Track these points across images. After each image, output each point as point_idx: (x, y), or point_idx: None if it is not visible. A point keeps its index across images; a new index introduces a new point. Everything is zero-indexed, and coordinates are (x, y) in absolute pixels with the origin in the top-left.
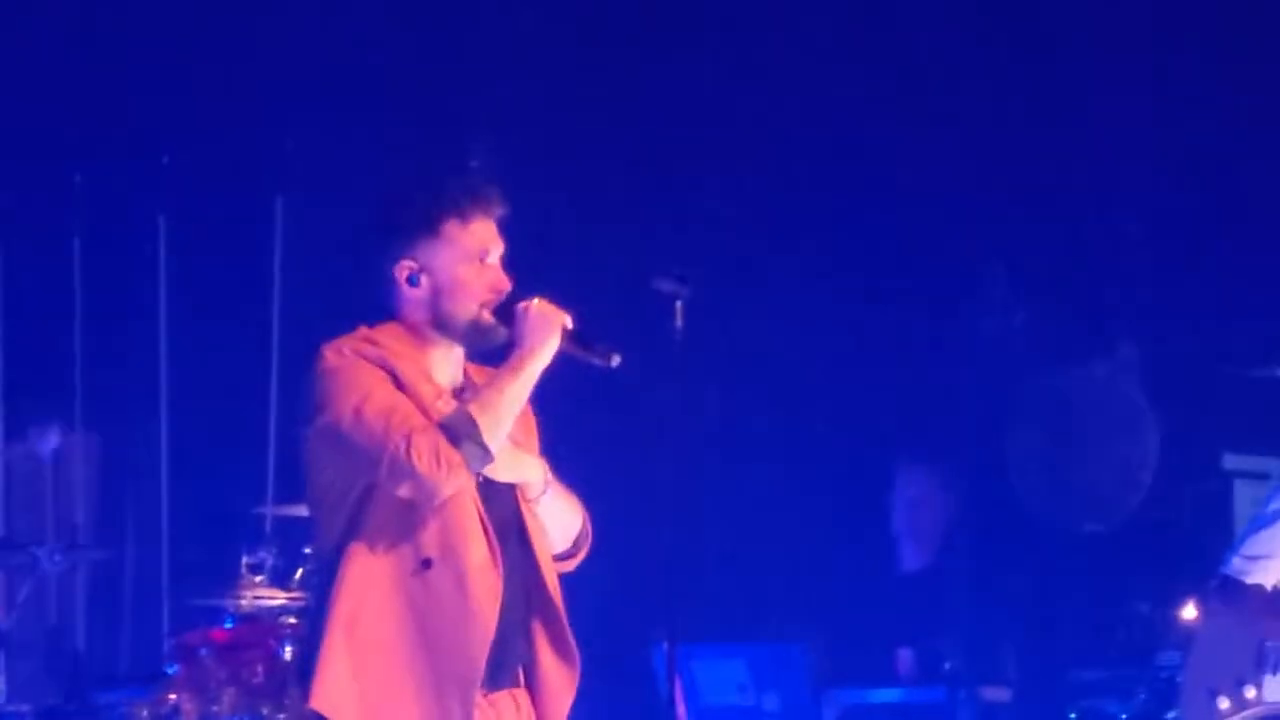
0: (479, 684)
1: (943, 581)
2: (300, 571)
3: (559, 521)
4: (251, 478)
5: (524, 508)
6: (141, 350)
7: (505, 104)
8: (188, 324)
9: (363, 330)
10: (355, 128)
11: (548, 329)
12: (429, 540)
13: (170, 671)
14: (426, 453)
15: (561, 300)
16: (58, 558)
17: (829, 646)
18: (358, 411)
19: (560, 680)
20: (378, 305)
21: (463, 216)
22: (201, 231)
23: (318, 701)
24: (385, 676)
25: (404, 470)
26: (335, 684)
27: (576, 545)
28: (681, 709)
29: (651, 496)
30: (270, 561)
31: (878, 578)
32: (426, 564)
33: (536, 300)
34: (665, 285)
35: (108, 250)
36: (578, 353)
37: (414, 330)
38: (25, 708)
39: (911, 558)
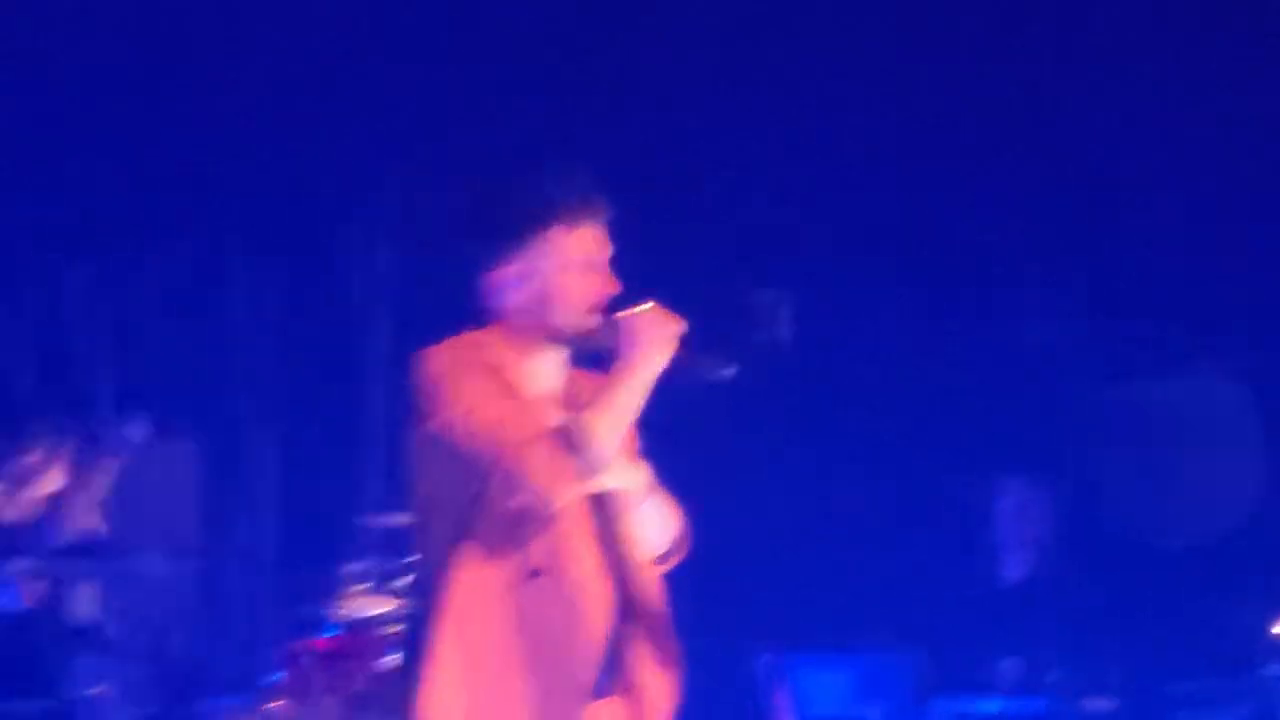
0: (588, 696)
1: (1045, 591)
2: (403, 580)
3: (658, 527)
4: (356, 486)
5: (625, 512)
6: (248, 357)
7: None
8: (292, 331)
9: (467, 334)
10: (457, 121)
11: (661, 336)
12: (537, 549)
13: (273, 679)
14: (541, 464)
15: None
16: (162, 564)
17: (932, 657)
18: (467, 419)
19: (661, 690)
20: (483, 307)
21: (569, 222)
22: (300, 235)
23: (429, 711)
24: (492, 688)
25: (517, 481)
26: (444, 693)
27: (673, 548)
28: (786, 718)
29: (757, 507)
30: (374, 570)
31: (981, 588)
32: (535, 574)
33: (649, 306)
34: (761, 296)
35: (212, 258)
36: (691, 362)
37: (518, 334)
38: (130, 714)
39: (1014, 568)
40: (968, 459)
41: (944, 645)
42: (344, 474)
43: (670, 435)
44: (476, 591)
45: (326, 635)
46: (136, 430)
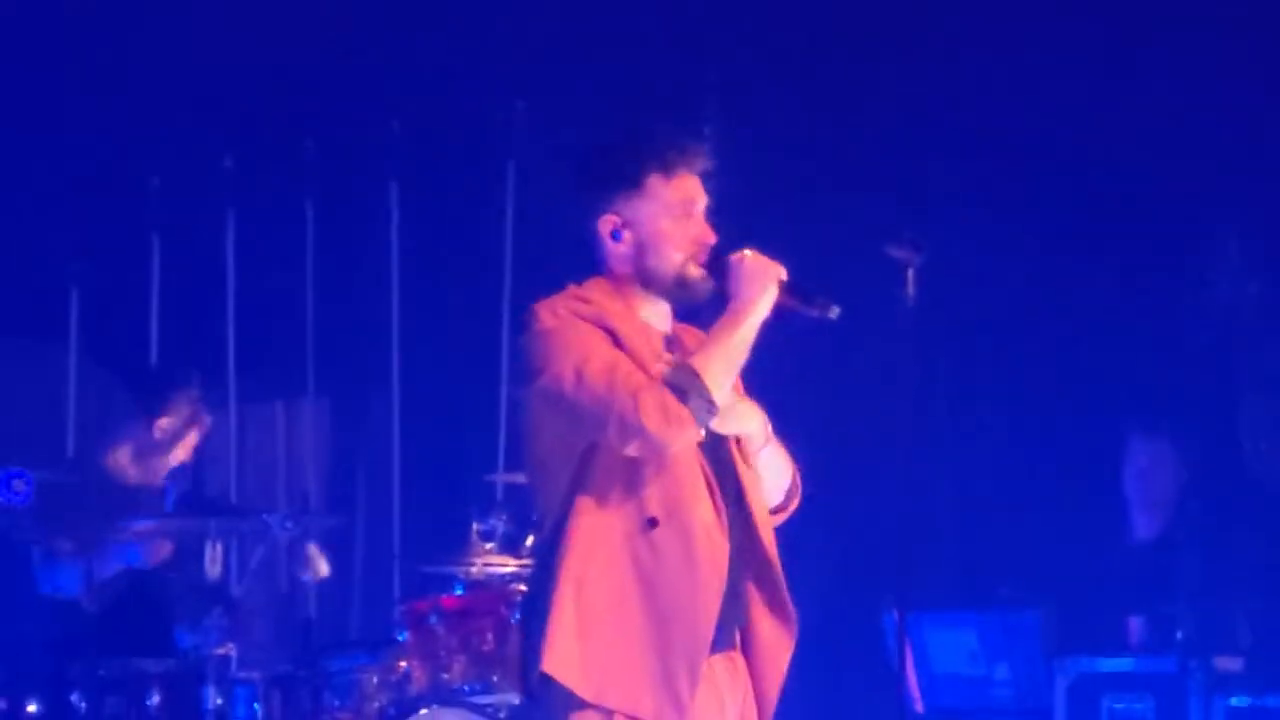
0: (707, 649)
1: (1174, 549)
2: (531, 539)
3: (775, 475)
4: (483, 444)
5: (740, 462)
6: (373, 317)
7: (739, 66)
8: (419, 290)
9: (572, 288)
10: (586, 90)
11: (764, 280)
12: (653, 499)
13: (400, 638)
14: (654, 409)
15: (786, 258)
16: (289, 524)
17: (1060, 615)
18: (579, 371)
19: (776, 642)
20: (595, 259)
21: (666, 170)
22: (433, 197)
23: (549, 664)
24: (612, 640)
25: (633, 428)
26: (564, 646)
27: (788, 498)
28: (912, 677)
29: (883, 464)
30: (501, 528)
31: (1109, 546)
32: (652, 523)
33: (749, 252)
34: (898, 251)
35: (340, 216)
36: (795, 305)
37: (621, 286)
38: (256, 674)
39: (1143, 526)
40: (1098, 414)
41: (1072, 603)
42: (472, 431)
43: (797, 387)
44: (595, 543)
45: (454, 593)
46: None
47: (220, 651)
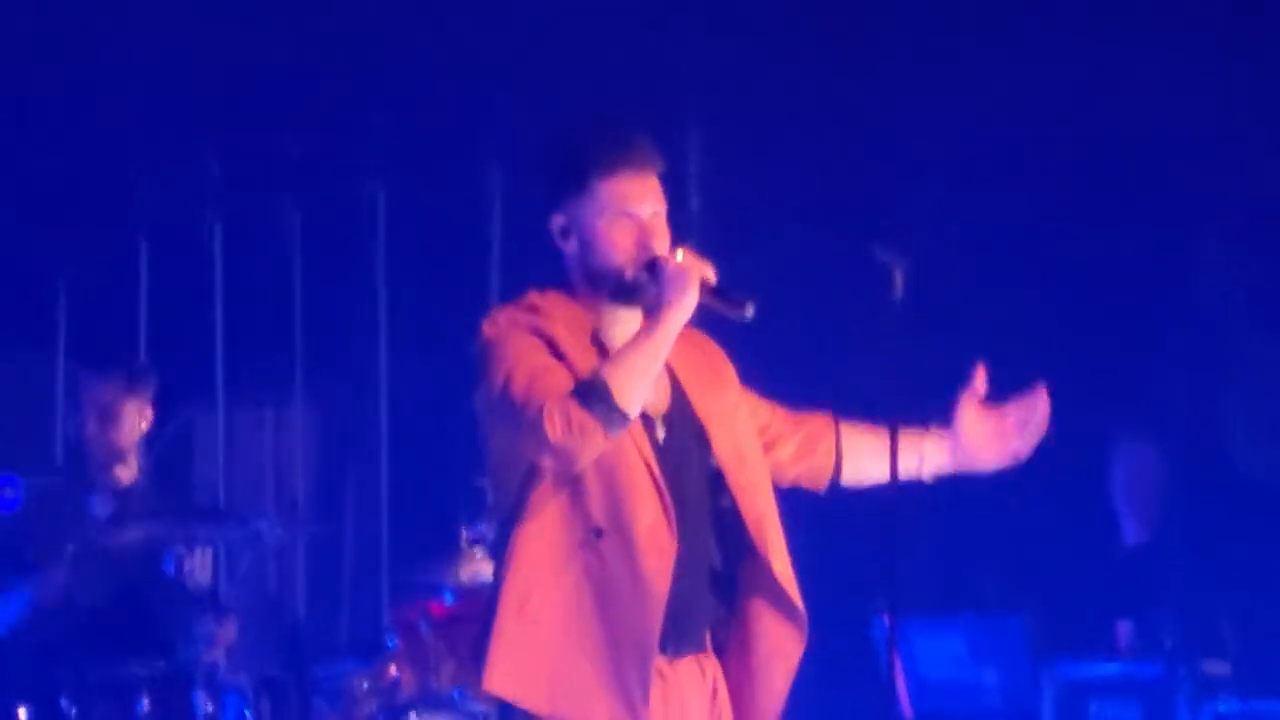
0: (655, 651)
1: (1162, 554)
2: None
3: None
4: (471, 450)
5: (726, 457)
6: (361, 323)
7: (727, 68)
8: (406, 295)
9: (528, 296)
10: (572, 94)
11: (683, 283)
12: (597, 508)
13: (389, 644)
14: (559, 420)
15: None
16: (278, 530)
17: (1047, 620)
18: (505, 383)
19: (779, 641)
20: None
21: (607, 170)
22: (420, 204)
23: (490, 683)
24: (562, 651)
25: (539, 439)
26: (507, 664)
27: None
28: (901, 682)
29: None
30: (490, 535)
31: (1096, 550)
32: (597, 533)
33: (679, 253)
34: (884, 254)
35: (327, 223)
36: (716, 305)
37: (578, 291)
38: (245, 678)
39: (1130, 530)
40: (1085, 419)
41: (1059, 608)
42: (460, 437)
43: (784, 391)
44: (540, 556)
45: (443, 600)
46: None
47: (208, 657)
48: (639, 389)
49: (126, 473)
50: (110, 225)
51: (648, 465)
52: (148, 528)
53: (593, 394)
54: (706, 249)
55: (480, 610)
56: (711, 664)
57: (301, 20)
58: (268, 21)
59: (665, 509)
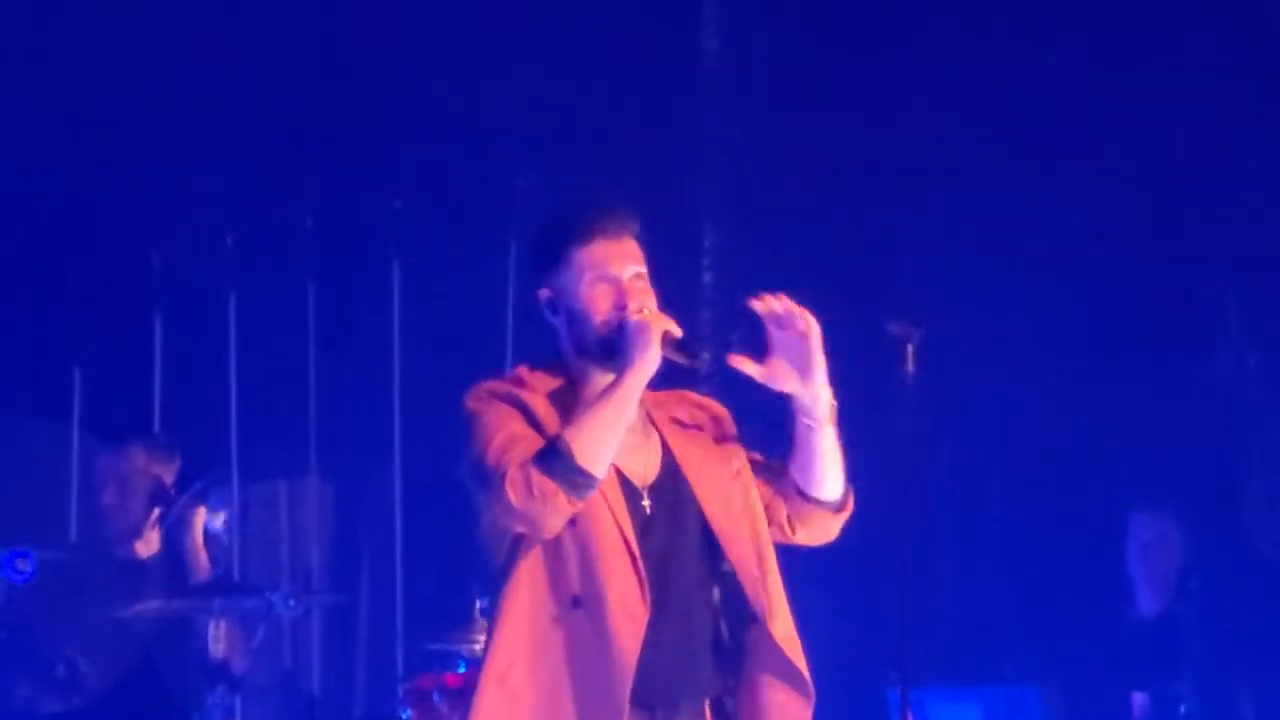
0: (625, 715)
1: (1178, 625)
2: None
3: (831, 461)
4: None
5: (721, 525)
6: (375, 394)
7: (741, 142)
8: (422, 368)
9: (517, 369)
10: (590, 174)
11: (644, 340)
12: (574, 579)
13: (403, 716)
14: (521, 486)
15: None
16: (292, 602)
17: (1065, 690)
18: (482, 452)
19: (782, 711)
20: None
21: (581, 239)
22: (435, 276)
23: None
24: None
25: (504, 504)
26: None
27: (845, 495)
28: None
29: (884, 538)
30: None
31: (1113, 621)
32: (575, 603)
33: (644, 310)
34: (897, 328)
35: (342, 295)
36: (678, 359)
37: (570, 365)
38: None
39: (1146, 601)
40: (1098, 492)
41: (1075, 679)
42: (473, 508)
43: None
44: (521, 628)
45: (457, 671)
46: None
47: None
48: (601, 449)
49: (144, 548)
50: (125, 298)
51: (623, 535)
52: (163, 601)
53: (553, 456)
54: (719, 323)
55: None
56: None
57: (319, 94)
58: (285, 96)
59: (639, 580)
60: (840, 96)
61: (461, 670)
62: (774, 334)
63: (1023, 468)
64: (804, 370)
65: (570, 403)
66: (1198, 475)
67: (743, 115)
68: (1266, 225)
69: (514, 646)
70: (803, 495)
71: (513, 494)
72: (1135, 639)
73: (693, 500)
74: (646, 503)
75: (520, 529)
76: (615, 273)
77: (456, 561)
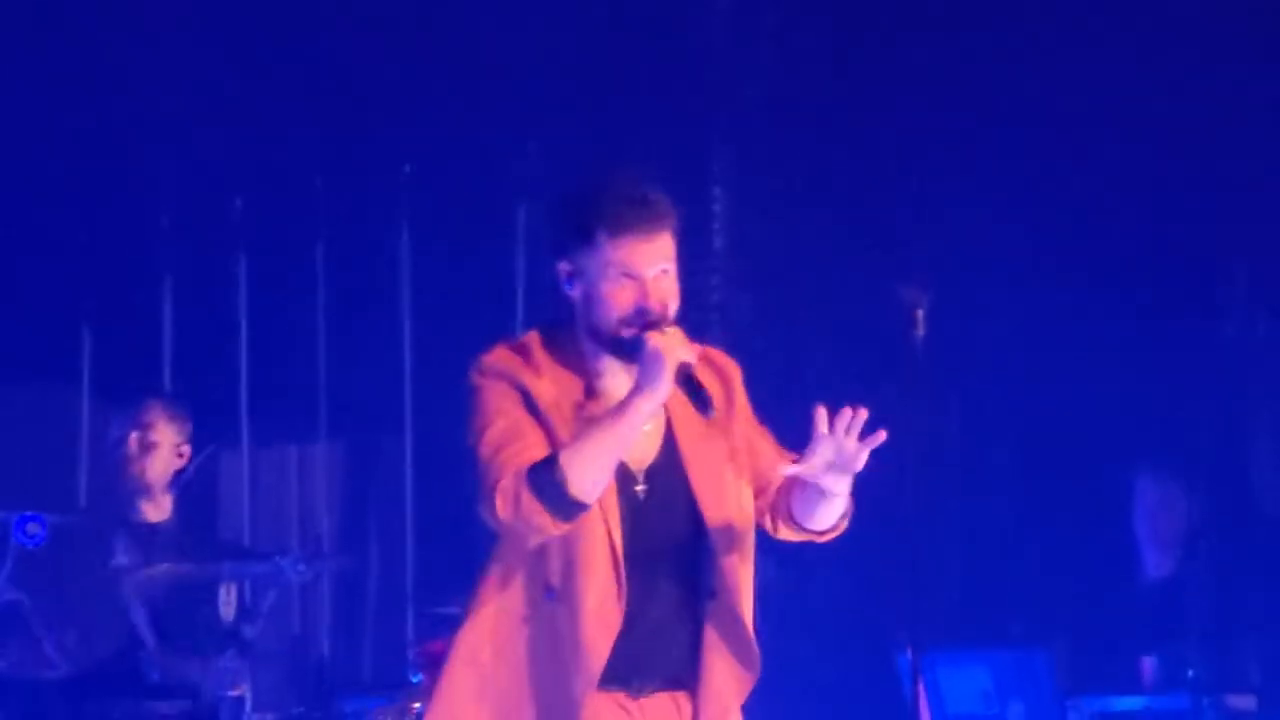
0: (581, 707)
1: (1186, 588)
2: None
3: (837, 509)
4: None
5: (710, 507)
6: (385, 358)
7: (749, 108)
8: (431, 331)
9: (531, 335)
10: (600, 137)
11: (658, 367)
12: (554, 568)
13: (414, 680)
14: (510, 499)
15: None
16: (302, 567)
17: (1072, 654)
18: (478, 438)
19: (726, 688)
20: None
21: (612, 229)
22: (445, 239)
23: None
24: (494, 712)
25: (490, 512)
26: (446, 712)
27: (832, 527)
28: (926, 717)
29: (894, 503)
30: None
31: (1121, 585)
32: (549, 594)
33: (668, 331)
34: (907, 293)
35: (352, 258)
36: (686, 396)
37: (576, 335)
38: (270, 716)
39: (1154, 564)
40: (1107, 455)
41: (1085, 642)
42: None
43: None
44: (496, 613)
45: None
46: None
47: (234, 694)
48: (597, 478)
49: (156, 511)
50: (134, 260)
51: (609, 536)
52: (173, 566)
53: (546, 479)
54: (731, 288)
55: None
56: (687, 703)
57: (328, 56)
58: (294, 58)
59: (619, 583)
60: (852, 60)
61: None
62: (823, 439)
63: (1031, 431)
64: (841, 474)
65: (574, 389)
66: (1205, 438)
67: (754, 78)
68: (1276, 189)
69: (486, 629)
70: (794, 521)
71: (500, 504)
72: (1144, 602)
73: (686, 483)
74: (640, 487)
75: (504, 534)
76: (642, 272)
77: (467, 525)
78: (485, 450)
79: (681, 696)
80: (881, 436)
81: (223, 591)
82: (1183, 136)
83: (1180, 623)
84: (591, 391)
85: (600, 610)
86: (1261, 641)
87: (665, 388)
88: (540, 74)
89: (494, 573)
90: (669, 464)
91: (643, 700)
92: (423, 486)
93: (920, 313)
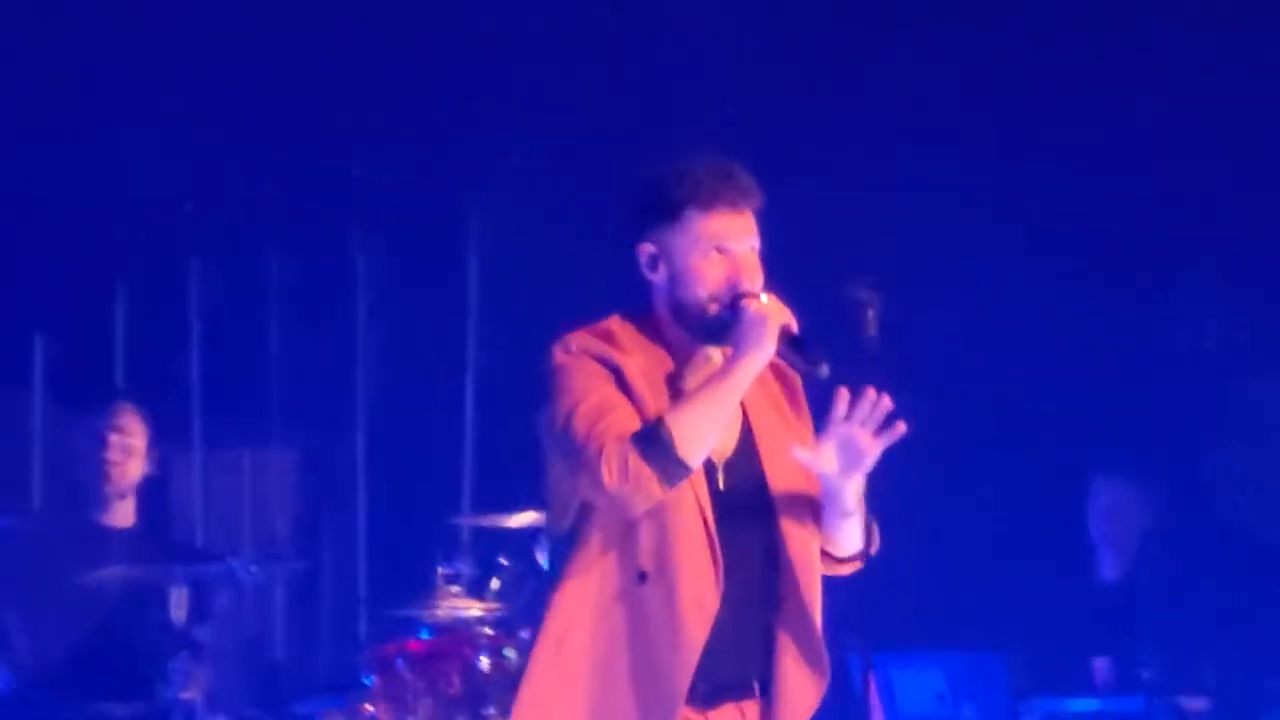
0: (681, 705)
1: (1140, 590)
2: (497, 582)
3: (843, 541)
4: (447, 488)
5: (785, 504)
6: (338, 360)
7: (697, 105)
8: (385, 336)
9: (609, 320)
10: (558, 149)
11: (761, 331)
12: (645, 553)
13: (366, 682)
14: (616, 466)
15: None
16: (255, 569)
17: (1026, 656)
18: (570, 415)
19: (802, 692)
20: (575, 313)
21: (703, 204)
22: (397, 242)
23: (517, 717)
24: (585, 700)
25: (595, 481)
26: (535, 705)
27: (859, 555)
28: (878, 718)
29: None
30: (466, 572)
31: (1075, 587)
32: (642, 578)
33: (763, 298)
34: (858, 293)
35: (304, 260)
36: (791, 359)
37: (660, 320)
38: (223, 718)
39: (1108, 566)
40: (1061, 457)
41: (1038, 644)
42: (437, 476)
43: None
44: (583, 597)
45: (420, 637)
46: None
47: (186, 696)
48: (704, 440)
49: (119, 516)
50: (86, 264)
51: (703, 515)
52: (126, 568)
53: (654, 442)
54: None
55: (457, 648)
56: (754, 710)
57: (279, 59)
58: (244, 62)
59: (714, 562)
60: (814, 58)
61: (424, 636)
62: (838, 423)
63: (986, 432)
64: (850, 471)
65: (661, 369)
66: (1161, 440)
67: (710, 79)
68: (1240, 192)
69: (574, 613)
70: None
71: (606, 472)
72: (1097, 604)
73: (763, 481)
74: (722, 479)
75: (601, 503)
76: (732, 245)
77: (419, 529)
78: (579, 425)
79: (749, 706)
80: (901, 429)
81: (174, 594)
82: (1143, 140)
83: (1134, 625)
84: (678, 371)
85: (696, 591)
86: (1215, 643)
87: (768, 350)
88: (498, 75)
89: (578, 558)
90: (747, 457)
91: (710, 713)
92: (376, 489)
93: (871, 313)
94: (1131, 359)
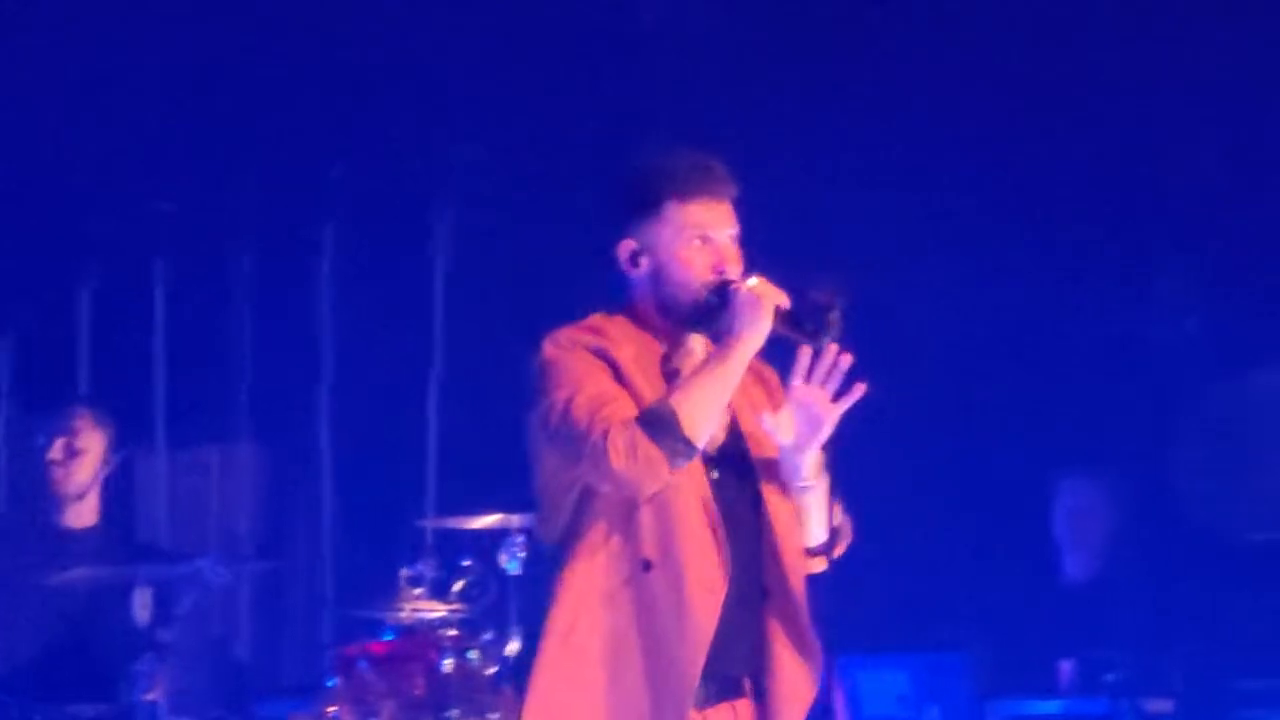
0: (693, 696)
1: (1105, 591)
2: (460, 584)
3: (814, 518)
4: (412, 490)
5: (772, 498)
6: (305, 362)
7: (665, 103)
8: (351, 335)
9: (593, 318)
10: (528, 145)
11: (756, 312)
12: (648, 541)
13: (330, 684)
14: (623, 448)
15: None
16: (220, 569)
17: (990, 657)
18: (567, 404)
19: (799, 684)
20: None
21: (682, 195)
22: (366, 243)
23: (529, 714)
24: (597, 691)
25: (602, 467)
26: (547, 698)
27: (831, 544)
28: (842, 719)
29: None
30: (430, 574)
31: (1039, 588)
32: (646, 566)
33: (753, 280)
34: (820, 296)
35: (271, 260)
36: (791, 335)
37: (644, 316)
38: (187, 719)
39: (1074, 568)
40: (1027, 457)
41: (1002, 645)
42: (402, 477)
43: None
44: (588, 588)
45: (383, 639)
46: None
47: (150, 697)
48: (708, 419)
49: (78, 518)
50: (51, 264)
51: (703, 502)
52: (90, 569)
53: (660, 423)
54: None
55: (420, 650)
56: (746, 709)
57: (251, 58)
58: (216, 59)
59: (718, 547)
60: (784, 52)
61: (388, 638)
62: (798, 388)
63: (951, 432)
64: (808, 438)
65: (653, 358)
66: (1127, 440)
67: (685, 80)
68: (1204, 188)
69: (580, 606)
70: None
71: (614, 456)
72: (1062, 605)
73: (751, 472)
74: (714, 472)
75: (608, 490)
76: (714, 234)
77: (384, 531)
78: (580, 413)
79: (741, 705)
80: (859, 390)
81: (137, 595)
82: (1111, 137)
83: (1099, 627)
84: (668, 360)
85: (703, 578)
86: (1180, 646)
87: (764, 329)
88: (469, 79)
89: (579, 551)
90: (736, 449)
91: (707, 711)
92: (342, 489)
93: (835, 315)
94: (1098, 359)
